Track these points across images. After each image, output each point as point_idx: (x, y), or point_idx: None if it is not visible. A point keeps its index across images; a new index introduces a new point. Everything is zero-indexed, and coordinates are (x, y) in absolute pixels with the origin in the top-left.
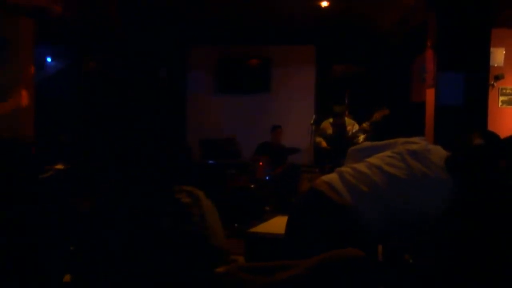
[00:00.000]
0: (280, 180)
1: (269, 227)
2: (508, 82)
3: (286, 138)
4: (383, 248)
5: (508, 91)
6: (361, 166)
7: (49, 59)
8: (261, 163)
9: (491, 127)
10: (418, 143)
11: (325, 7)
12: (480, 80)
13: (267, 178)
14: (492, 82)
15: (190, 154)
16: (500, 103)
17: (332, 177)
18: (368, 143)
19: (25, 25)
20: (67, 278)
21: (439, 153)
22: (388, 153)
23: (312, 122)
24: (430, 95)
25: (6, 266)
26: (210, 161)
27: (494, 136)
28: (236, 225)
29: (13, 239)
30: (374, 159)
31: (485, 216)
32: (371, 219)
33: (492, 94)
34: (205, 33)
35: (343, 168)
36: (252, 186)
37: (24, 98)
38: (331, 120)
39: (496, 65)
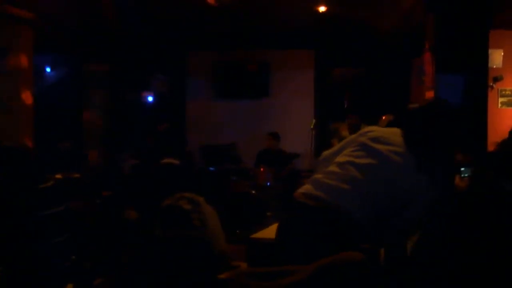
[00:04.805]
0: (281, 185)
1: (271, 233)
2: (507, 83)
3: (285, 143)
4: (385, 251)
5: (507, 92)
6: (332, 168)
7: (48, 68)
8: (262, 169)
9: (491, 128)
10: (375, 130)
11: (323, 12)
12: (479, 81)
13: (268, 184)
14: (491, 84)
15: (191, 160)
16: (499, 104)
17: (306, 186)
18: (326, 152)
19: (24, 34)
20: (70, 287)
21: (396, 132)
22: (351, 148)
23: (312, 126)
24: (429, 98)
25: (7, 276)
26: (211, 167)
27: (434, 101)
28: (238, 231)
29: (13, 249)
30: (341, 158)
31: (477, 215)
32: (355, 212)
33: (491, 95)
34: (203, 38)
35: (315, 176)
36: (253, 192)
37: (24, 106)
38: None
39: (494, 66)
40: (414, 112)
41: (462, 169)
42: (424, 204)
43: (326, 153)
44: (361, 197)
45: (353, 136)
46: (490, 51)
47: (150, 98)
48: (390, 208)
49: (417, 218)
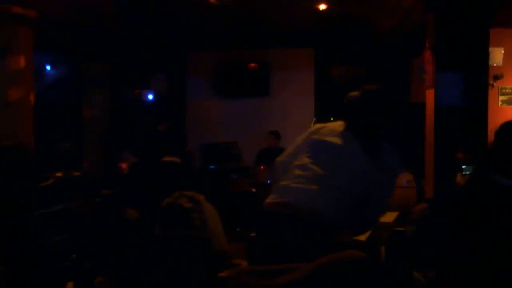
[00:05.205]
0: None
1: None
2: (508, 82)
3: (286, 141)
4: (386, 249)
5: (507, 90)
6: (296, 171)
7: (48, 67)
8: (262, 167)
9: (491, 126)
10: (324, 126)
11: (323, 10)
12: (479, 80)
13: (268, 182)
14: (492, 82)
15: (192, 159)
16: (500, 103)
17: (273, 196)
18: (280, 158)
19: (24, 34)
20: (70, 285)
21: (339, 123)
22: (308, 149)
23: (312, 125)
24: (429, 96)
25: (7, 276)
26: (211, 166)
27: (371, 89)
28: (238, 229)
29: (13, 249)
30: (302, 160)
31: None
32: (330, 213)
33: (491, 93)
34: (204, 38)
35: (281, 183)
36: (253, 190)
37: (24, 106)
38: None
39: (495, 64)
40: (353, 102)
41: (464, 167)
42: (384, 187)
43: (280, 159)
44: (331, 194)
45: (304, 137)
46: (490, 49)
47: (150, 97)
48: (360, 198)
49: (384, 202)
